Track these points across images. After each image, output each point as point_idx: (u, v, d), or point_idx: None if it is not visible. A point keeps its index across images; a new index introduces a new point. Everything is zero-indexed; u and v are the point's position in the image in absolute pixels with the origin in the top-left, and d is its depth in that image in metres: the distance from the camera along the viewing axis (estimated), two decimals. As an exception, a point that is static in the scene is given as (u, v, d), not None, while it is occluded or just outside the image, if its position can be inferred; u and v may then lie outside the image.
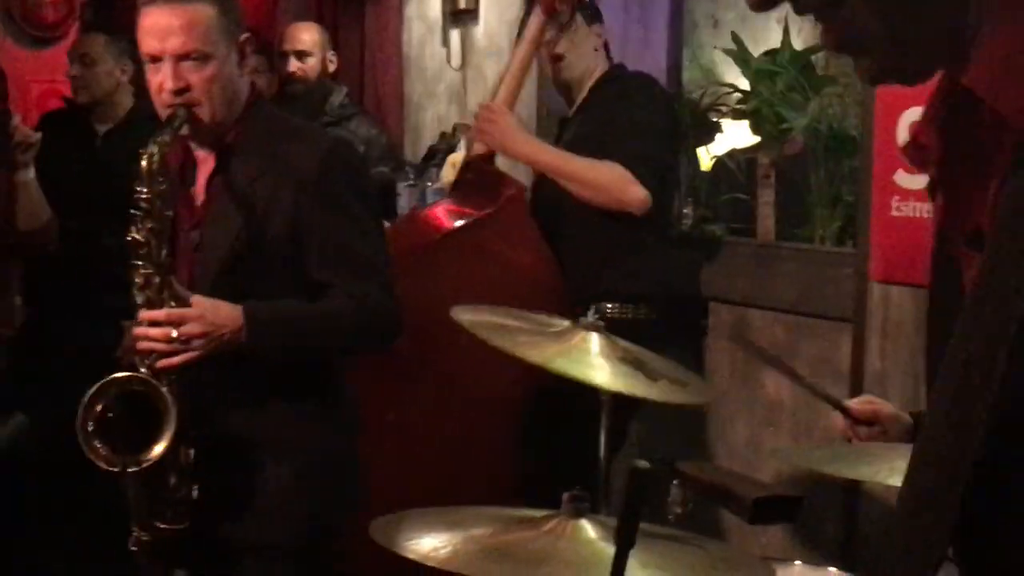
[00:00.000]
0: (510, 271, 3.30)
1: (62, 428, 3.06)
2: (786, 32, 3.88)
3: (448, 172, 3.81)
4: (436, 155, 4.11)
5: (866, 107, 3.17)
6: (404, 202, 3.96)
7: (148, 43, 2.24)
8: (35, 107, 4.43)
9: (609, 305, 3.01)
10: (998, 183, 0.72)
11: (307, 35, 4.23)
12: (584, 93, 3.35)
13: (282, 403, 2.35)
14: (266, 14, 4.84)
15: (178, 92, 2.20)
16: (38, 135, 3.32)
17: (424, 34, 4.81)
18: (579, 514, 1.77)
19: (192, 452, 2.22)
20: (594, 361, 2.23)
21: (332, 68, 4.30)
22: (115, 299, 2.61)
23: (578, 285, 3.20)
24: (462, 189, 3.44)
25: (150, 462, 2.14)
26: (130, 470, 2.13)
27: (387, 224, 3.29)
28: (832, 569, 2.57)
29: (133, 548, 2.28)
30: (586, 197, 3.19)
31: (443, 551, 1.72)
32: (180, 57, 2.21)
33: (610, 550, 1.49)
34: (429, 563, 1.72)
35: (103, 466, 2.15)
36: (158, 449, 2.12)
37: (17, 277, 3.82)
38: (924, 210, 2.98)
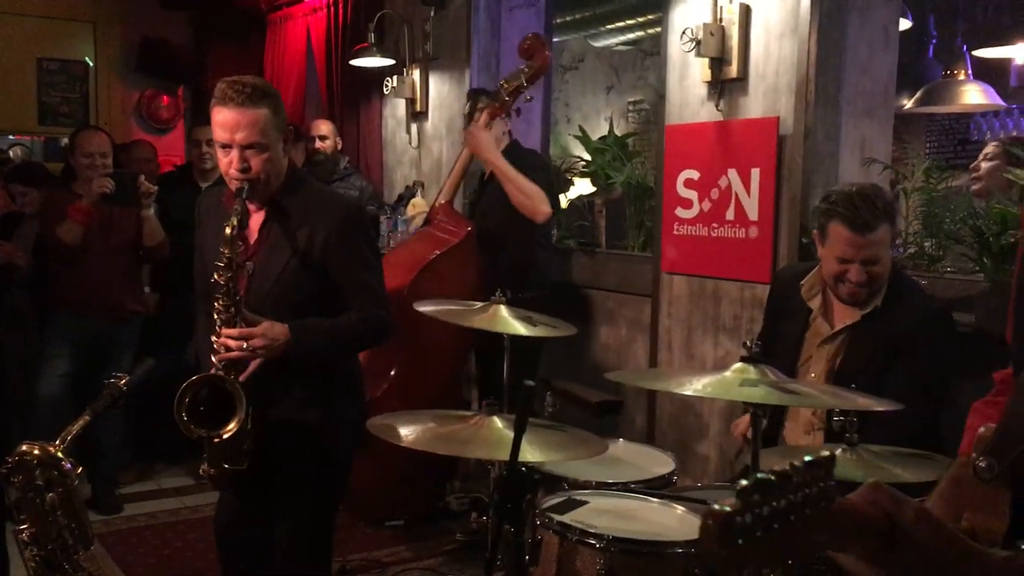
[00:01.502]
0: (462, 282, 3.97)
1: (173, 367, 4.02)
2: (611, 126, 4.90)
3: (410, 209, 4.82)
4: (402, 199, 5.00)
5: (658, 170, 3.95)
6: (383, 227, 4.74)
7: (220, 134, 2.43)
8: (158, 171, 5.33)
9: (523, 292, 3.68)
10: None
11: (324, 127, 5.31)
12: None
13: (311, 385, 2.58)
14: (299, 113, 5.91)
15: (243, 171, 2.43)
16: (155, 187, 4.32)
17: (395, 126, 5.75)
18: (492, 413, 2.17)
19: (250, 419, 2.45)
20: (502, 320, 2.83)
21: (339, 145, 5.36)
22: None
23: (502, 275, 3.85)
24: (436, 221, 4.18)
25: (228, 434, 2.39)
26: (214, 440, 2.40)
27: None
28: (644, 446, 3.10)
29: (201, 474, 2.54)
30: (515, 198, 3.84)
31: (410, 436, 2.14)
32: (245, 147, 2.41)
33: (511, 434, 1.76)
34: (403, 444, 2.06)
35: (193, 436, 2.39)
36: (232, 426, 2.39)
37: (146, 274, 4.83)
38: (692, 231, 3.77)
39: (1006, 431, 1.06)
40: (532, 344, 3.54)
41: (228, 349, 2.40)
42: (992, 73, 5.56)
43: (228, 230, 2.37)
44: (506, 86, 3.94)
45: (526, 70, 3.92)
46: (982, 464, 1.07)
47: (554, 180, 4.31)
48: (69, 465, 1.65)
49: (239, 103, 2.38)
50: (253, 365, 2.41)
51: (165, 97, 6.74)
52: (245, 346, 2.38)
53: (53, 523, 1.63)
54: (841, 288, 2.57)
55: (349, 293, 2.53)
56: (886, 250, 2.51)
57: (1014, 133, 6.06)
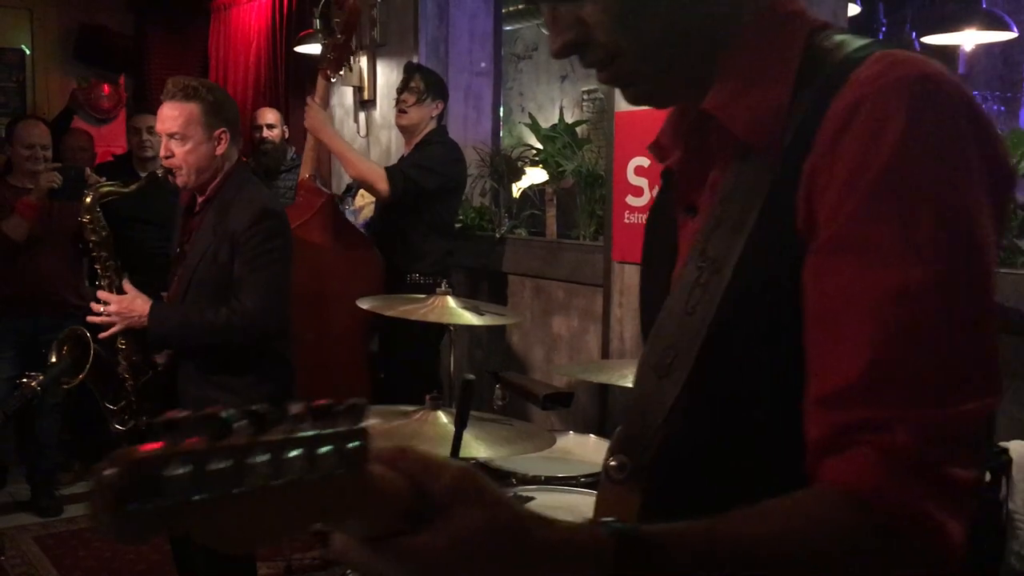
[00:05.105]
0: (331, 250, 3.91)
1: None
2: (561, 114, 4.91)
3: (358, 200, 4.60)
4: (350, 189, 4.82)
5: (609, 158, 3.85)
6: (333, 218, 4.57)
7: (157, 123, 2.77)
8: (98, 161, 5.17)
9: (418, 275, 3.88)
10: (717, 173, 0.92)
11: (271, 115, 5.25)
12: (416, 141, 4.05)
13: (232, 370, 2.73)
14: (250, 103, 5.69)
15: (166, 157, 2.71)
16: (102, 179, 4.05)
17: (343, 115, 5.64)
18: (437, 408, 2.19)
19: (132, 384, 2.73)
20: (449, 311, 2.89)
21: (286, 135, 5.30)
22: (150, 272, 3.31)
23: (399, 262, 3.93)
24: (297, 201, 4.07)
25: (77, 381, 2.75)
26: (70, 387, 2.87)
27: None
28: (592, 436, 3.10)
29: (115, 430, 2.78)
30: (351, 175, 3.95)
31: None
32: (170, 136, 2.69)
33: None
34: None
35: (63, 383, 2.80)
36: (81, 374, 2.73)
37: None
38: (643, 219, 2.91)
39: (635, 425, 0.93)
40: (433, 331, 3.57)
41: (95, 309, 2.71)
42: (941, 60, 5.53)
43: (88, 199, 2.78)
44: (327, 43, 4.01)
45: (339, 22, 3.97)
46: (613, 464, 0.95)
47: (461, 177, 4.19)
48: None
49: (170, 97, 2.67)
50: (114, 329, 2.67)
51: (106, 86, 6.51)
52: (102, 310, 2.68)
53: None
54: None
55: (237, 289, 2.66)
56: None
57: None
